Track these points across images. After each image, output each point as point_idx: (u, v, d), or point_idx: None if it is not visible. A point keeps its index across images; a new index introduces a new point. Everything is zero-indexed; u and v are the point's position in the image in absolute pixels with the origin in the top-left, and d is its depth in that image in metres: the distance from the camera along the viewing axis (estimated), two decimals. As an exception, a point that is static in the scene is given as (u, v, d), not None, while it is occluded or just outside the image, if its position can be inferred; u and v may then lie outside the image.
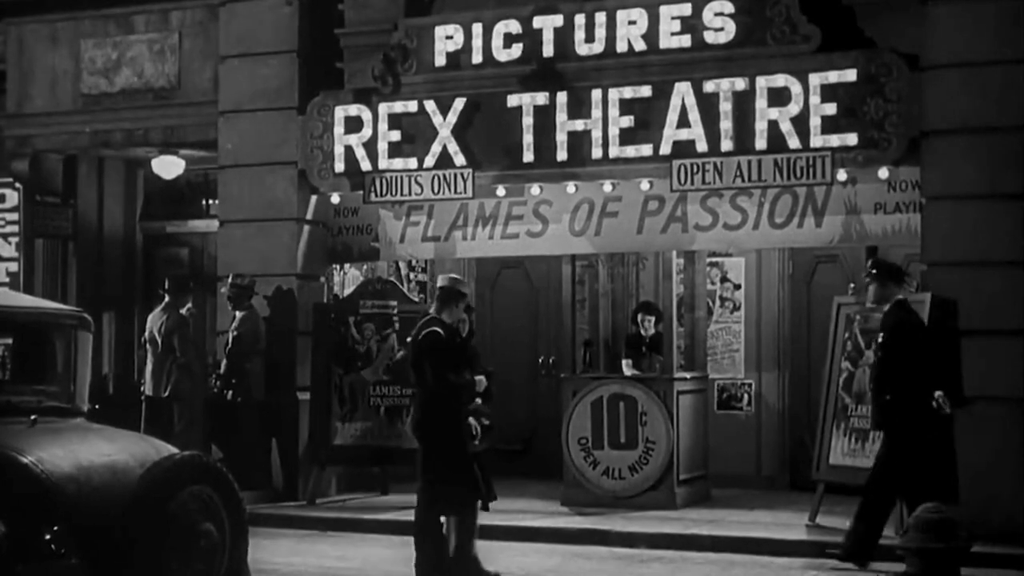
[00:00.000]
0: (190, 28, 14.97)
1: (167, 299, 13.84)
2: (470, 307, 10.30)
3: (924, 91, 11.60)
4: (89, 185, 16.32)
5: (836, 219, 12.40)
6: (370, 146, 13.42)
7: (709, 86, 12.24)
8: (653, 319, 13.73)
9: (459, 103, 13.09)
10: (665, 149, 12.39)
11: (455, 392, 9.64)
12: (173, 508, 7.92)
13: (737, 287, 14.58)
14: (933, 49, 11.60)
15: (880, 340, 10.53)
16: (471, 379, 9.79)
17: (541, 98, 12.80)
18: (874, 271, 10.74)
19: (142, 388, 13.89)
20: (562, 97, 12.74)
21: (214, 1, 14.49)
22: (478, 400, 9.86)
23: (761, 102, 12.07)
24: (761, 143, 12.08)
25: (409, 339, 10.04)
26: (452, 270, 15.67)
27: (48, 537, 7.48)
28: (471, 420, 9.74)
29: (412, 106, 13.27)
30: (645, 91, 12.49)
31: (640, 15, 12.57)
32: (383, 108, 13.37)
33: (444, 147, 13.13)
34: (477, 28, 13.10)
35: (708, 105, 12.23)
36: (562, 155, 12.75)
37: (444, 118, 13.13)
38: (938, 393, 10.34)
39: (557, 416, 13.41)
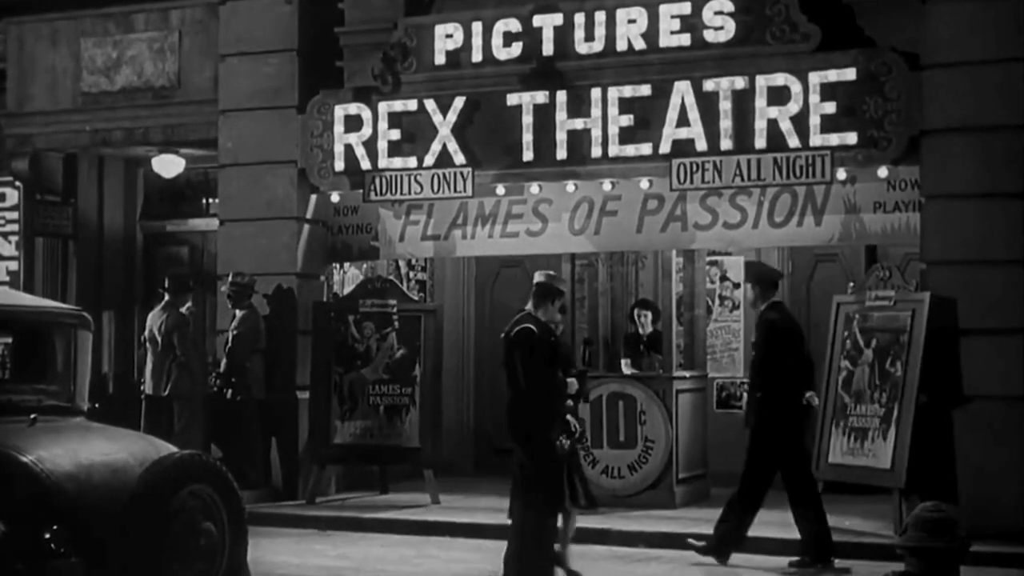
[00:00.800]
0: (190, 27, 14.98)
1: (167, 298, 13.84)
2: (564, 307, 9.99)
3: (924, 90, 11.61)
4: (89, 184, 16.33)
5: (835, 218, 12.41)
6: (370, 145, 13.43)
7: (709, 85, 12.24)
8: (650, 315, 13.74)
9: (459, 102, 13.09)
10: (665, 148, 12.40)
11: (546, 391, 9.37)
12: (173, 507, 7.93)
13: (736, 286, 14.59)
14: (933, 48, 11.61)
15: (754, 340, 10.83)
16: (563, 379, 9.56)
17: (541, 97, 12.81)
18: (751, 278, 11.03)
19: (142, 387, 13.89)
20: (562, 96, 12.74)
21: (214, 0, 14.50)
22: (569, 402, 9.63)
23: (760, 101, 12.08)
24: (761, 142, 12.08)
25: (502, 335, 9.83)
26: (452, 269, 15.75)
27: (48, 536, 7.49)
28: (570, 418, 9.50)
29: (412, 105, 13.27)
30: (645, 90, 12.49)
31: (640, 14, 12.57)
32: (383, 107, 13.38)
33: (444, 146, 13.13)
34: (477, 27, 13.11)
35: (708, 104, 12.24)
36: (562, 154, 12.75)
37: (444, 117, 13.14)
38: (809, 393, 10.67)
39: (557, 415, 13.38)
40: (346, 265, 14.69)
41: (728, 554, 10.72)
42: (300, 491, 13.62)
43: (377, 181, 13.40)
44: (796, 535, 11.02)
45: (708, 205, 12.80)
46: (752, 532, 11.15)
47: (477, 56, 13.12)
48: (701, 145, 12.26)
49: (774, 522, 11.18)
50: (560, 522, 9.73)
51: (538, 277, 9.75)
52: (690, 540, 10.83)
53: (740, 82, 12.15)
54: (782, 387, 10.59)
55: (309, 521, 12.75)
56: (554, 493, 9.40)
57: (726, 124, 12.17)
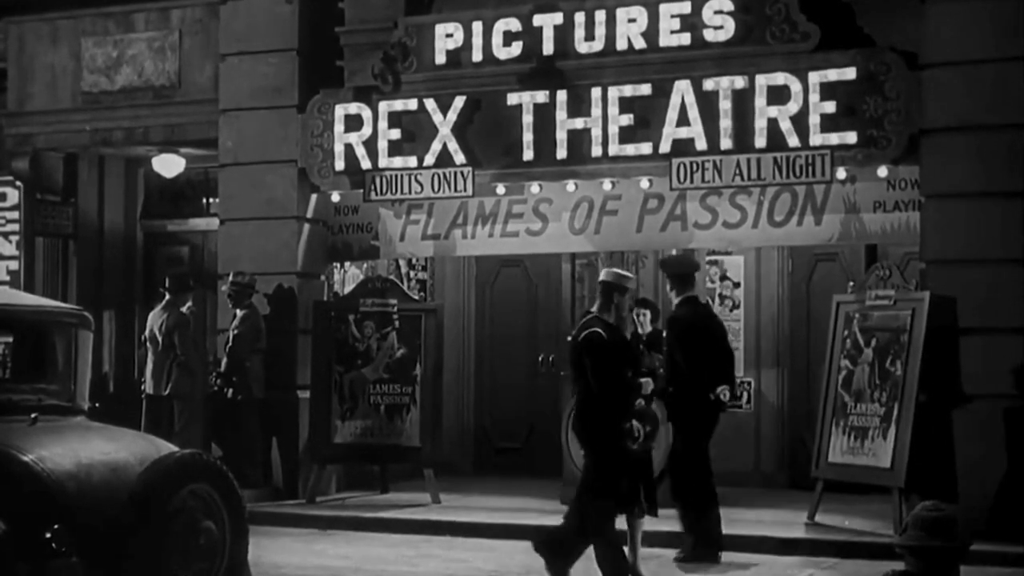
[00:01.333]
0: (190, 26, 14.98)
1: (168, 297, 13.86)
2: (631, 307, 9.83)
3: (923, 89, 11.61)
4: (89, 183, 16.33)
5: (835, 217, 12.40)
6: (370, 144, 13.43)
7: (709, 84, 12.24)
8: (649, 314, 13.71)
9: (459, 101, 13.09)
10: (665, 147, 12.40)
11: (620, 393, 9.18)
12: (173, 506, 7.92)
13: (736, 285, 14.59)
14: (932, 47, 11.61)
15: (664, 335, 11.04)
16: (635, 380, 9.35)
17: (541, 96, 12.81)
18: (665, 273, 11.37)
19: (142, 386, 13.90)
20: (562, 95, 12.74)
21: (214, -1, 14.53)
22: (641, 401, 9.38)
23: (760, 100, 12.08)
24: (760, 141, 12.08)
25: (569, 338, 9.66)
26: (452, 268, 15.75)
27: (48, 535, 7.48)
28: (634, 422, 9.26)
29: (412, 104, 13.28)
30: (645, 89, 12.50)
31: (640, 13, 12.57)
32: (383, 106, 13.38)
33: (444, 145, 13.13)
34: (477, 26, 13.11)
35: (707, 103, 12.24)
36: (562, 153, 12.75)
37: (444, 116, 13.14)
38: (720, 388, 10.65)
39: (556, 414, 13.40)
40: (346, 264, 14.70)
41: (715, 554, 10.66)
42: (300, 490, 13.62)
43: (377, 181, 13.40)
44: (799, 534, 11.05)
45: (708, 204, 12.80)
46: (751, 532, 11.19)
47: (477, 55, 13.13)
48: (701, 144, 12.26)
49: (777, 521, 11.20)
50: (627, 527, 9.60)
51: (602, 275, 9.55)
52: (675, 559, 10.73)
53: (740, 81, 12.15)
54: (690, 383, 10.64)
55: (309, 520, 12.75)
56: (610, 499, 9.17)
57: (726, 123, 12.18)
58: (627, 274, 9.68)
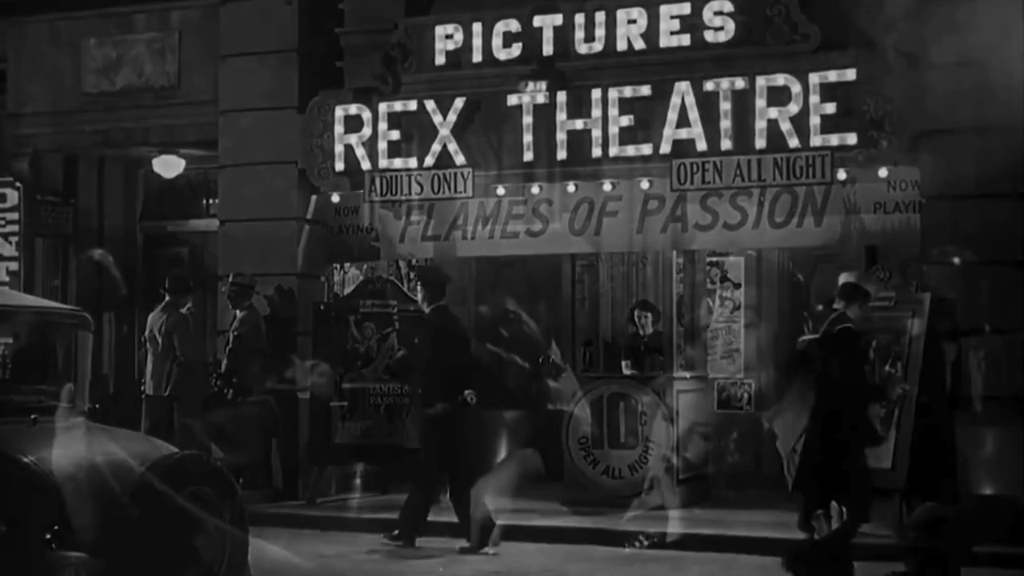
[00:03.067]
0: (190, 27, 14.97)
1: (167, 298, 13.84)
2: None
3: (924, 90, 11.60)
4: (89, 184, 16.32)
5: (836, 218, 12.40)
6: (370, 145, 13.42)
7: (709, 85, 12.24)
8: (650, 316, 13.72)
9: (459, 102, 13.08)
10: (665, 148, 12.40)
11: (866, 391, 9.11)
12: (174, 507, 7.92)
13: (737, 286, 14.58)
14: (932, 48, 11.60)
15: (416, 341, 12.10)
16: (877, 381, 9.31)
17: (541, 97, 12.80)
18: (419, 282, 12.13)
19: (142, 387, 13.89)
20: (562, 96, 12.74)
21: (214, 0, 14.49)
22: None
23: (761, 101, 12.07)
24: (761, 142, 12.08)
25: (807, 337, 9.53)
26: (452, 269, 15.72)
27: (48, 536, 7.50)
28: (876, 426, 9.27)
29: (412, 105, 13.27)
30: (645, 90, 12.49)
31: (640, 14, 12.57)
32: (383, 107, 13.37)
33: (444, 146, 13.12)
34: (477, 27, 13.11)
35: (708, 104, 12.23)
36: (562, 154, 12.75)
37: (444, 117, 13.13)
38: (467, 392, 11.29)
39: (557, 415, 13.40)
40: (346, 266, 14.69)
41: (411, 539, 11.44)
42: (300, 491, 13.61)
43: (377, 181, 13.40)
44: (796, 535, 11.00)
45: (708, 205, 12.80)
46: (752, 533, 11.18)
47: (477, 56, 13.12)
48: (701, 145, 12.26)
49: (778, 522, 11.18)
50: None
51: (844, 278, 9.59)
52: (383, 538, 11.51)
53: (740, 82, 12.14)
54: (436, 384, 11.32)
55: (310, 521, 12.74)
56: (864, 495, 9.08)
57: (726, 124, 12.17)
58: (868, 275, 9.63)
